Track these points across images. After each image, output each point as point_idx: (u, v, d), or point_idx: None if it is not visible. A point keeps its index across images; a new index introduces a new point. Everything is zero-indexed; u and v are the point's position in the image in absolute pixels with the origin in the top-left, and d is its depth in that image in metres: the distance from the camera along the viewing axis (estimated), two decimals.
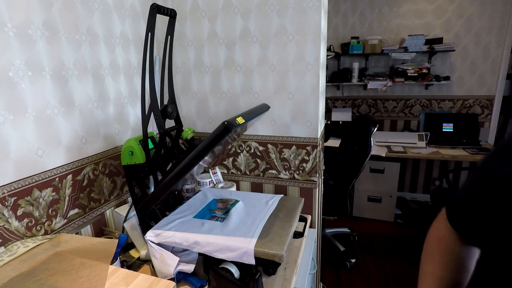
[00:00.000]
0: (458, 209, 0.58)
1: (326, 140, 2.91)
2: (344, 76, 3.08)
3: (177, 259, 0.86)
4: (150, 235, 0.88)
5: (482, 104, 2.92)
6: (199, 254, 0.87)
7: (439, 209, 0.66)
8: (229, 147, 1.45)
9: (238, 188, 1.47)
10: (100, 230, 1.13)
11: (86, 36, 1.02)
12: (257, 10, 1.23)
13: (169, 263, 0.85)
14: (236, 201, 1.06)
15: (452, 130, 2.86)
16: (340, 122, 3.14)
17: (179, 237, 0.86)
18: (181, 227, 0.90)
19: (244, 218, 0.95)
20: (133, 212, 1.08)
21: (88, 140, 1.06)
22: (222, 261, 0.83)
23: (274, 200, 1.08)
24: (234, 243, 0.81)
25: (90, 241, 0.86)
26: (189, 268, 0.87)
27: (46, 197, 0.92)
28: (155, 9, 0.89)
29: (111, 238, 1.07)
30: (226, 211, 1.00)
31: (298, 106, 1.27)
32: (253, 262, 0.79)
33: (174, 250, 0.90)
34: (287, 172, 1.38)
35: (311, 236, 1.30)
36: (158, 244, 0.88)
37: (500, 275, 0.51)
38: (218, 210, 1.02)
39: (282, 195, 1.13)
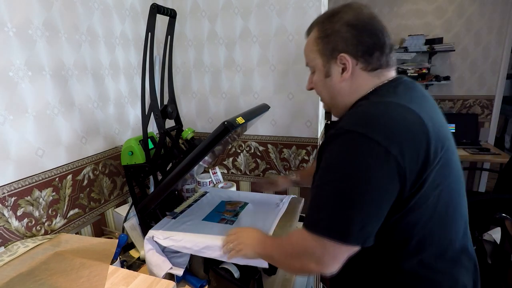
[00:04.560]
0: None
1: None
2: None
3: (170, 265, 0.85)
4: (159, 237, 0.86)
5: (482, 104, 2.92)
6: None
7: None
8: (229, 147, 1.45)
9: (238, 188, 1.46)
10: (100, 230, 1.13)
11: (86, 36, 1.02)
12: (257, 10, 1.23)
13: (162, 267, 0.84)
14: (246, 204, 1.06)
15: (454, 130, 2.85)
16: None
17: (189, 240, 0.83)
18: (191, 231, 0.88)
19: (255, 221, 0.93)
20: (133, 212, 1.08)
21: (88, 140, 1.06)
22: (222, 261, 0.83)
23: (284, 201, 1.06)
24: None
25: (90, 241, 0.86)
26: (179, 272, 0.85)
27: (46, 197, 0.92)
28: (155, 9, 0.89)
29: (111, 238, 1.07)
30: (236, 214, 0.99)
31: (298, 106, 1.27)
32: (266, 265, 0.76)
33: (165, 250, 0.88)
34: (287, 172, 1.37)
35: None
36: (163, 248, 0.86)
37: None
38: (227, 213, 1.01)
39: (293, 196, 1.10)
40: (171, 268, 0.85)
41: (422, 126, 0.53)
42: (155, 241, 0.86)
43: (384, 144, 0.50)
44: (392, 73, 0.65)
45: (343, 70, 0.62)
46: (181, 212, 1.02)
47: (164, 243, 0.85)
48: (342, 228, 0.52)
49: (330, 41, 0.62)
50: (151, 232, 0.88)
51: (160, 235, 0.87)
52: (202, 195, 1.17)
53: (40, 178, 0.89)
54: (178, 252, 0.85)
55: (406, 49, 2.80)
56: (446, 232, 0.59)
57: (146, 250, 0.86)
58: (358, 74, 0.62)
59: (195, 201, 1.12)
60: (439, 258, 0.59)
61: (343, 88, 0.64)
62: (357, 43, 0.60)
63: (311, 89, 0.72)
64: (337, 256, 0.55)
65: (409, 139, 0.52)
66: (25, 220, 0.86)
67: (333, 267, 0.56)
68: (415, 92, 0.61)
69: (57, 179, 0.95)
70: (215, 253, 0.81)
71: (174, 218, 0.97)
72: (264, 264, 0.75)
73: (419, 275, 0.59)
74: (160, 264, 0.84)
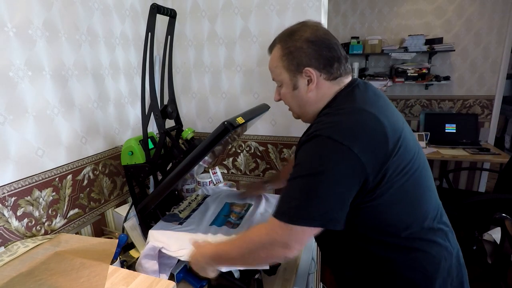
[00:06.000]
0: None
1: None
2: None
3: (162, 275, 0.86)
4: (161, 239, 0.86)
5: (482, 104, 2.92)
6: None
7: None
8: (229, 147, 1.45)
9: (238, 189, 1.46)
10: (100, 230, 1.13)
11: (86, 36, 1.02)
12: (257, 10, 1.23)
13: (155, 269, 0.85)
14: (250, 205, 1.06)
15: (455, 130, 2.85)
16: None
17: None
18: (196, 233, 0.89)
19: (262, 222, 0.93)
20: (133, 212, 1.08)
21: (88, 140, 1.06)
22: None
23: None
24: None
25: (90, 241, 0.86)
26: (165, 277, 0.86)
27: (46, 197, 0.92)
28: (155, 9, 0.89)
29: (111, 238, 1.07)
30: (241, 217, 0.99)
31: None
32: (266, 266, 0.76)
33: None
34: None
35: None
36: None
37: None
38: (233, 214, 1.01)
39: None
40: (159, 276, 0.85)
41: (379, 125, 0.61)
42: (157, 247, 0.85)
43: (346, 144, 0.58)
44: (349, 78, 0.73)
45: (309, 81, 0.70)
46: (186, 218, 1.01)
47: (166, 246, 0.85)
48: (307, 215, 0.59)
49: (294, 57, 0.69)
50: (153, 235, 0.88)
51: (163, 236, 0.87)
52: (204, 198, 1.16)
53: (40, 178, 0.89)
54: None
55: (406, 49, 2.80)
56: (419, 205, 0.67)
57: (143, 254, 0.86)
58: (322, 84, 0.70)
59: (199, 204, 1.11)
60: (417, 229, 0.66)
61: (310, 98, 0.72)
62: (318, 57, 0.68)
63: (279, 100, 0.79)
64: (301, 239, 0.62)
65: (368, 138, 0.60)
66: (25, 220, 0.86)
67: (297, 250, 0.63)
68: (368, 93, 0.69)
69: (57, 179, 0.95)
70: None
71: (180, 224, 0.97)
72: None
73: (403, 246, 0.66)
74: (154, 270, 0.85)
